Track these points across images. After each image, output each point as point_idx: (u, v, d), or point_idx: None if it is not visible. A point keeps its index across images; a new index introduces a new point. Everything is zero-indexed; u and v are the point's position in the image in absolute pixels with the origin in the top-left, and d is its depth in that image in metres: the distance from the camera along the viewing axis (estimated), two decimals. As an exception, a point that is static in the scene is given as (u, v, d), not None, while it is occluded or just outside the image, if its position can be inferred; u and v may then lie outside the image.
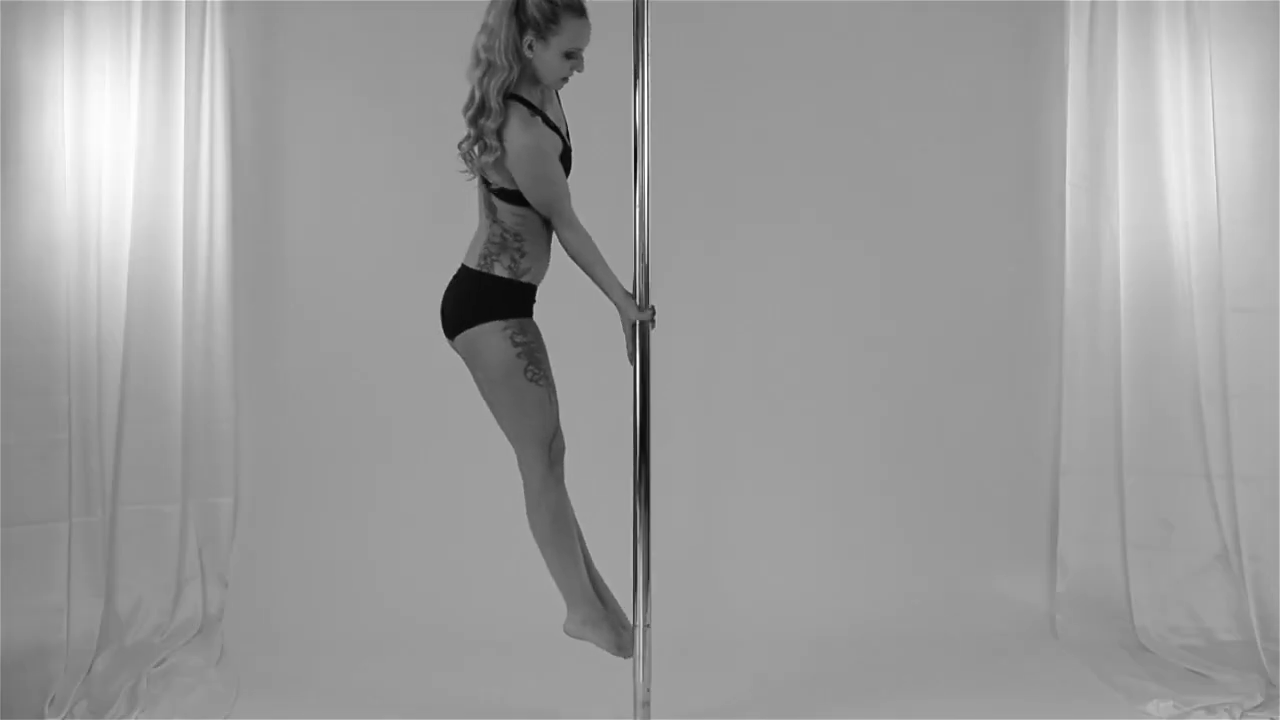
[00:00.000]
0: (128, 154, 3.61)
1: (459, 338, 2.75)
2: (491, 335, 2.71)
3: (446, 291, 2.79)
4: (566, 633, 2.94)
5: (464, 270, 2.77)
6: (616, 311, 2.79)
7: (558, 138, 2.71)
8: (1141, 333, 3.75)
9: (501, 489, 3.91)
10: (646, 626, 2.84)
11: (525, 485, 2.83)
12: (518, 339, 2.71)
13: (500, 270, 2.72)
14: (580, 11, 2.64)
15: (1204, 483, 3.66)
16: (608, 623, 2.90)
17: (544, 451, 2.79)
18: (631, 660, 2.87)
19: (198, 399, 3.82)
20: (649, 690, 2.84)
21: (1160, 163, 3.72)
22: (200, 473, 3.84)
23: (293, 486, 3.96)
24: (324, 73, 3.97)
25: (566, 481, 3.95)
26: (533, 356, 2.73)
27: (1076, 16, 3.81)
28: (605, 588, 2.98)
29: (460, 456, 3.95)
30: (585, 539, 2.97)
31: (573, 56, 2.66)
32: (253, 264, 3.94)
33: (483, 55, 2.64)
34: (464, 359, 2.78)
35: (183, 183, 3.72)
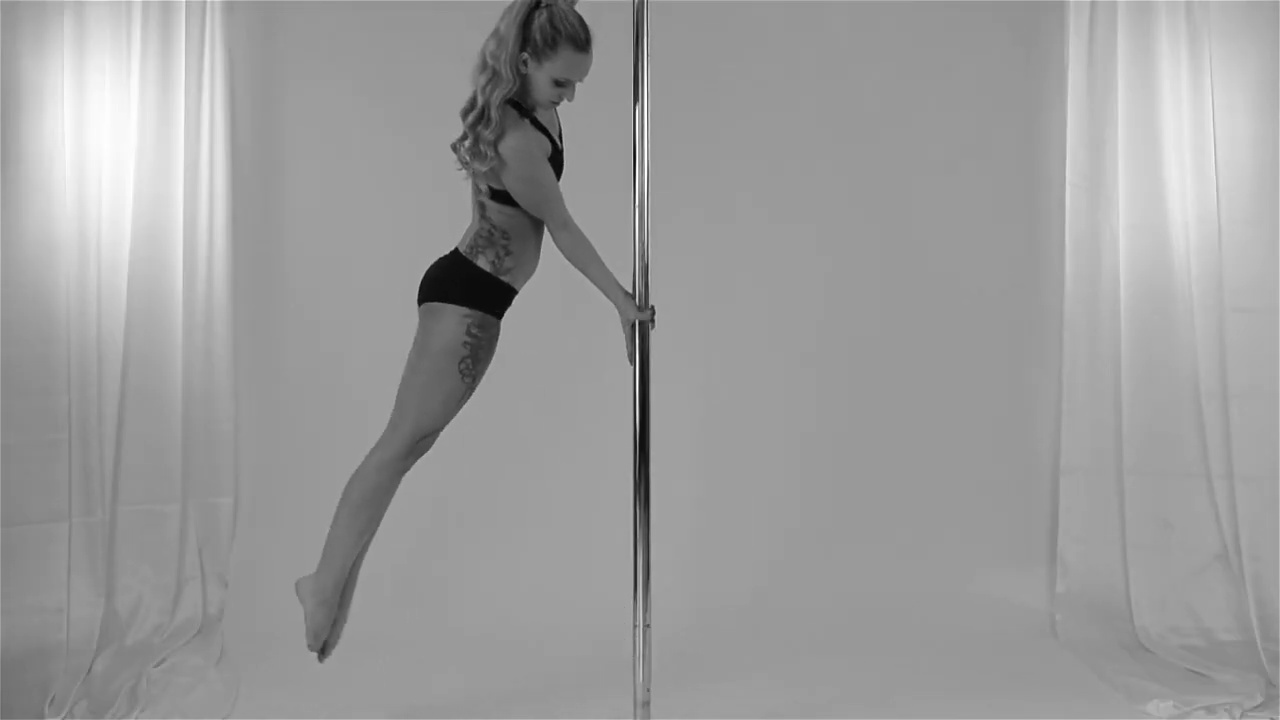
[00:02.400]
0: (128, 154, 3.61)
1: (424, 306, 2.77)
2: (452, 315, 2.72)
3: (432, 265, 2.80)
4: (296, 587, 2.91)
5: (454, 252, 2.79)
6: (616, 311, 2.79)
7: (546, 140, 2.71)
8: (1141, 333, 3.75)
9: (500, 489, 3.93)
10: (646, 626, 2.83)
11: (373, 452, 2.81)
12: (473, 330, 2.72)
13: (483, 263, 2.73)
14: (580, 46, 2.63)
15: (1204, 483, 3.66)
16: (327, 612, 2.87)
17: (411, 437, 2.77)
18: (631, 660, 2.87)
19: (198, 399, 3.82)
20: (649, 690, 2.84)
21: (1160, 163, 3.72)
22: (200, 473, 3.84)
23: (293, 486, 3.96)
24: (324, 73, 3.97)
25: (565, 482, 3.98)
26: (475, 352, 2.73)
27: (1076, 16, 3.81)
28: (354, 585, 2.95)
29: (459, 456, 3.94)
30: (375, 536, 2.92)
31: (562, 85, 2.66)
32: (253, 264, 3.94)
33: (489, 62, 2.64)
34: (420, 322, 2.78)
35: (183, 183, 3.72)
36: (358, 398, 3.97)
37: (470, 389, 2.77)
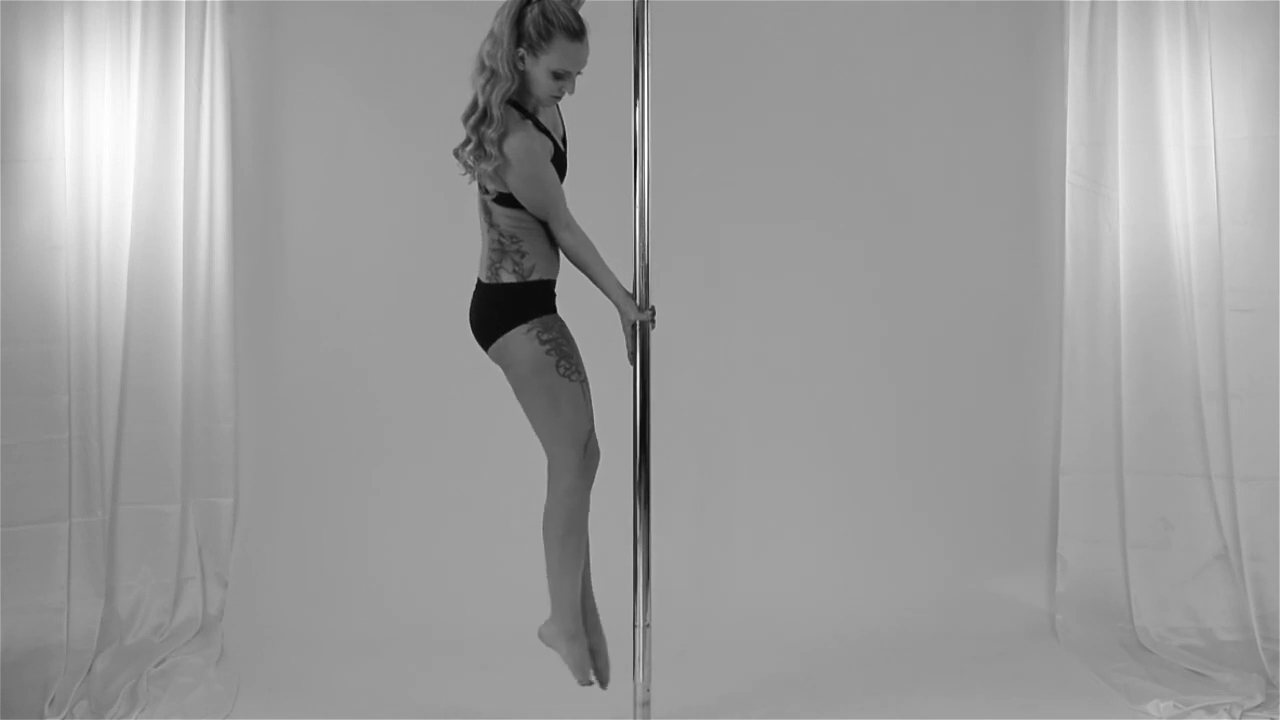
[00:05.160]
0: (128, 154, 3.61)
1: (491, 348, 2.77)
2: (518, 338, 2.72)
3: (470, 307, 2.80)
4: (540, 637, 2.92)
5: (479, 285, 2.79)
6: (616, 312, 2.79)
7: (549, 141, 2.70)
8: (1141, 333, 3.75)
9: (501, 489, 3.93)
10: (646, 626, 2.84)
11: (551, 485, 2.80)
12: (543, 336, 2.72)
13: (507, 276, 2.73)
14: (574, 36, 2.62)
15: (1204, 483, 3.66)
16: (581, 642, 2.87)
17: (579, 452, 2.77)
18: (631, 660, 2.87)
19: (198, 399, 3.82)
20: (649, 690, 2.84)
21: (1160, 163, 3.72)
22: (200, 473, 3.84)
23: (293, 486, 3.96)
24: (324, 73, 3.97)
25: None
26: (562, 351, 2.73)
27: (1076, 16, 3.81)
28: (594, 609, 2.95)
29: (460, 457, 3.95)
30: (590, 554, 2.94)
31: (561, 78, 2.65)
32: (253, 264, 3.94)
33: (486, 62, 2.64)
34: (500, 366, 2.78)
35: (183, 183, 3.72)
36: (358, 397, 3.98)
37: (585, 383, 2.76)
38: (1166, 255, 3.72)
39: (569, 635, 2.86)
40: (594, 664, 2.91)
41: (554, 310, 2.77)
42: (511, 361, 2.73)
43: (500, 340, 2.73)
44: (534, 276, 2.73)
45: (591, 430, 2.80)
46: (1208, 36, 3.59)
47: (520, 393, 2.76)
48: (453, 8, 3.55)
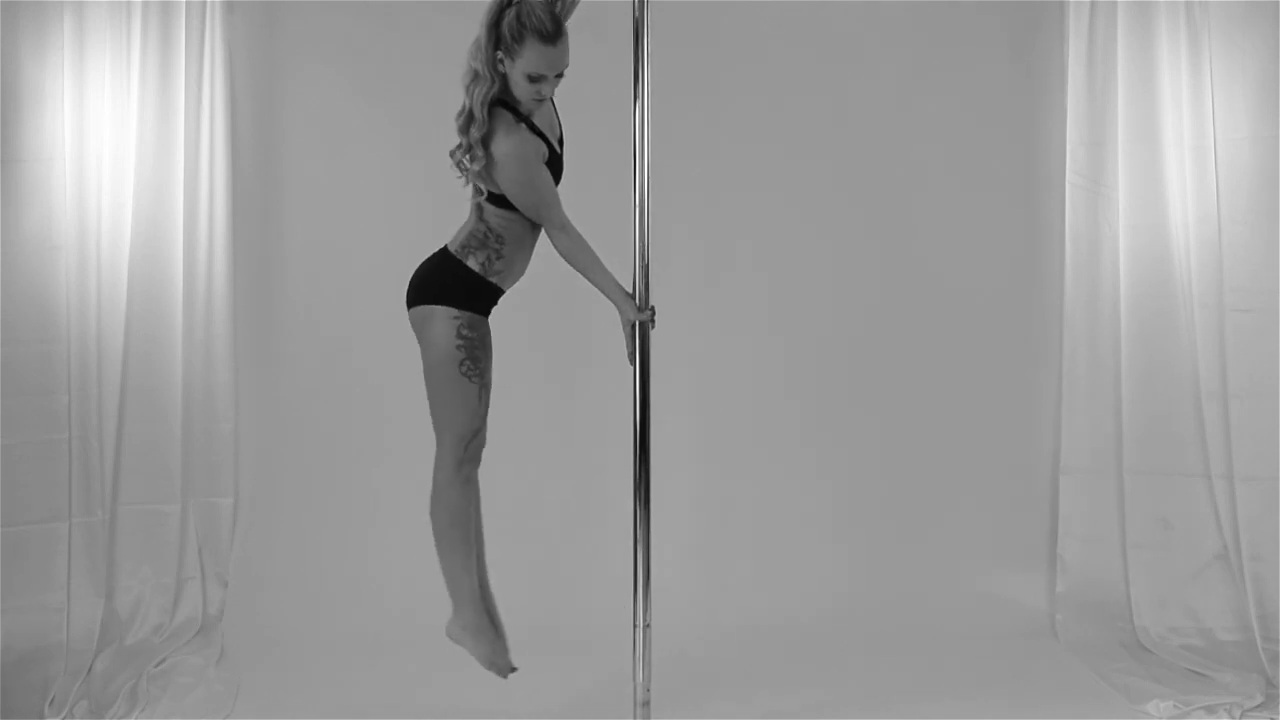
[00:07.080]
0: (128, 154, 3.61)
1: (414, 310, 2.78)
2: (441, 319, 2.73)
3: (421, 264, 2.81)
4: (447, 634, 2.92)
5: (443, 251, 2.79)
6: (616, 312, 2.79)
7: (542, 143, 2.70)
8: (1141, 333, 3.75)
9: (501, 489, 3.92)
10: (646, 626, 2.83)
11: (435, 475, 2.83)
12: (463, 332, 2.73)
13: (473, 263, 2.74)
14: (547, 39, 2.61)
15: (1204, 483, 3.66)
16: (487, 635, 2.87)
17: (458, 447, 2.79)
18: (631, 660, 2.87)
19: (198, 399, 3.82)
20: (649, 690, 2.84)
21: (1160, 163, 3.72)
22: (200, 473, 3.84)
23: (293, 486, 3.96)
24: (324, 73, 3.96)
25: (565, 482, 3.98)
26: (472, 353, 2.74)
27: (1076, 16, 3.81)
28: (494, 604, 2.95)
29: (460, 456, 3.95)
30: (485, 546, 2.95)
31: (535, 81, 2.64)
32: (253, 263, 3.94)
33: (471, 65, 2.65)
34: (415, 332, 2.80)
35: (183, 183, 3.72)
36: (358, 397, 3.98)
37: (484, 386, 2.77)
38: (1166, 255, 3.72)
39: (473, 631, 2.86)
40: (498, 655, 2.89)
41: (487, 314, 2.78)
42: (426, 338, 2.75)
43: (425, 308, 2.74)
44: (493, 279, 2.75)
45: (479, 430, 2.80)
46: (1208, 36, 3.59)
47: (425, 373, 2.78)
48: (453, 8, 3.55)
